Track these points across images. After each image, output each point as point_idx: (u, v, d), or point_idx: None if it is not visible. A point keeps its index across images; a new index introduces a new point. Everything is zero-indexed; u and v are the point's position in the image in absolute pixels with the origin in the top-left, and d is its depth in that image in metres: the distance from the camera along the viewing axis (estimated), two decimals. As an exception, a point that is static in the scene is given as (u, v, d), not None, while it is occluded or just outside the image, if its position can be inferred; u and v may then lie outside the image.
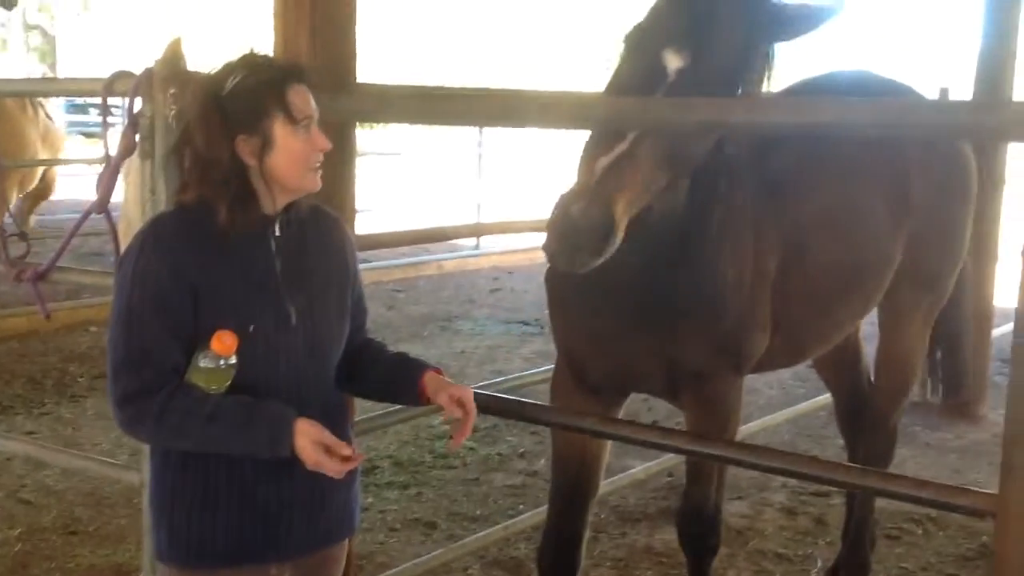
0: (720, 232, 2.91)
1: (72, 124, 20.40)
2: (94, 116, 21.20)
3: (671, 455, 4.70)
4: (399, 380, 2.43)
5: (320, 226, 2.37)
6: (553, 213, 2.43)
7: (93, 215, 3.10)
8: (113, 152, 2.97)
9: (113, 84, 3.00)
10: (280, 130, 2.16)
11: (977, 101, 5.77)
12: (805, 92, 3.62)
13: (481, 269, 11.98)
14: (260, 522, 2.25)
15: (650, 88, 2.49)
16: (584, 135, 2.60)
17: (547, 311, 3.23)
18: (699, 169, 2.69)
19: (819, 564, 4.53)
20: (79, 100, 21.55)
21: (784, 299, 3.12)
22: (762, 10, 2.55)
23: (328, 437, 2.13)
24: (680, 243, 2.84)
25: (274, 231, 2.25)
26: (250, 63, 2.21)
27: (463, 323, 9.36)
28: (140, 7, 38.93)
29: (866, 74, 3.97)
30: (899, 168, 3.58)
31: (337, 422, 2.28)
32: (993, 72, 6.53)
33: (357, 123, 3.50)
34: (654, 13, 2.60)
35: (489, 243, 12.34)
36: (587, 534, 3.37)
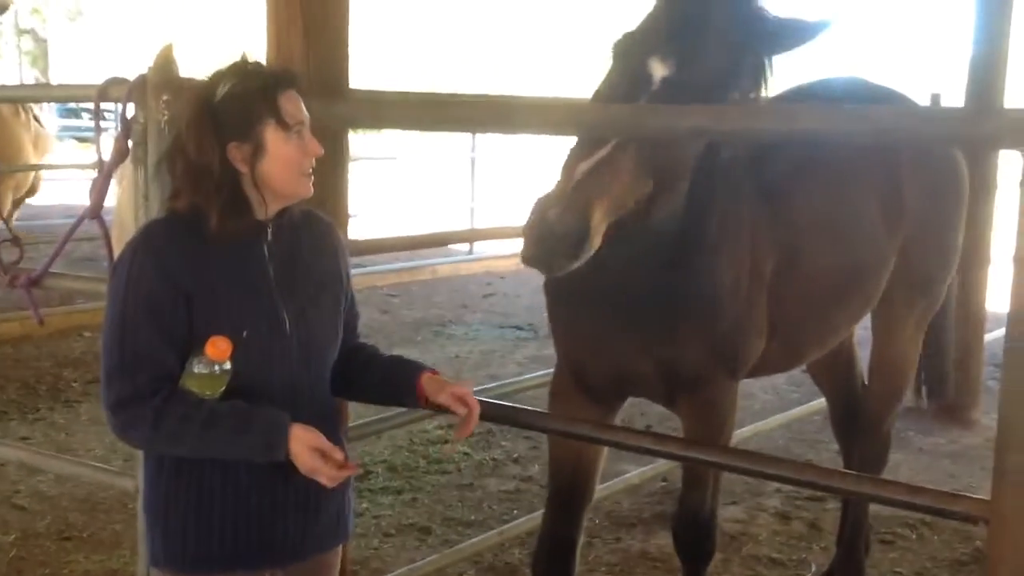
0: (717, 236, 2.92)
1: (64, 128, 20.40)
2: (87, 120, 21.17)
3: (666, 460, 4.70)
4: (397, 382, 2.44)
5: (313, 231, 2.38)
6: (530, 217, 2.42)
7: (86, 220, 3.10)
8: (106, 158, 2.97)
9: (107, 90, 2.99)
10: (272, 136, 2.17)
11: (969, 109, 5.78)
12: (798, 99, 3.63)
13: (475, 274, 11.97)
14: (254, 527, 2.25)
15: (635, 95, 2.51)
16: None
17: (541, 316, 3.24)
18: (696, 174, 2.69)
19: (813, 569, 4.53)
20: (72, 104, 21.50)
21: (780, 303, 3.12)
22: (753, 22, 2.57)
23: (324, 442, 2.13)
24: (677, 247, 2.84)
25: (267, 237, 2.25)
26: (241, 70, 2.21)
27: (457, 328, 9.35)
28: (132, 12, 38.88)
29: (858, 81, 3.97)
30: (893, 173, 3.60)
31: (331, 427, 2.29)
32: (984, 78, 6.54)
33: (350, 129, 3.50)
34: (643, 21, 2.61)
35: (483, 248, 12.32)
36: (582, 539, 3.37)
